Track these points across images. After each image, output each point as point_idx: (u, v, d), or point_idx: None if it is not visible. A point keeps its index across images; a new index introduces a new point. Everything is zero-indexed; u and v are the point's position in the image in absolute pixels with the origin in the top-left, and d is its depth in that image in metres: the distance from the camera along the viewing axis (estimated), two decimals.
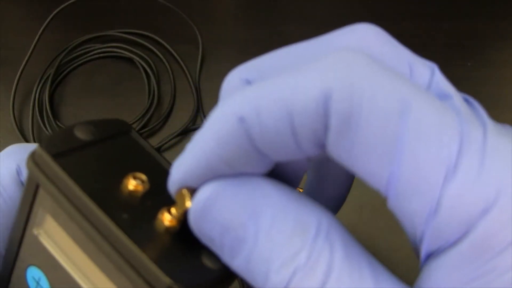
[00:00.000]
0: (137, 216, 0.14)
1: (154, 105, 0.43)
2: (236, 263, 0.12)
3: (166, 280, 0.12)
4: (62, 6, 0.44)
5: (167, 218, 0.14)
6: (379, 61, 0.11)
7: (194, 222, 0.13)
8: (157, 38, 0.47)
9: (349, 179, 0.18)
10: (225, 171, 0.12)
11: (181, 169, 0.13)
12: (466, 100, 0.13)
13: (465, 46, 0.46)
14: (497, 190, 0.10)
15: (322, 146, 0.12)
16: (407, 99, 0.11)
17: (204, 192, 0.12)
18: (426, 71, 0.13)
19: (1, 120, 0.43)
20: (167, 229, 0.14)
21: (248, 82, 0.14)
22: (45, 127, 0.42)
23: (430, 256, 0.11)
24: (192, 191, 0.13)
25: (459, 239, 0.11)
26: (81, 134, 0.15)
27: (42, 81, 0.44)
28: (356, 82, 0.11)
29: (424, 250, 0.11)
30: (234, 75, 0.14)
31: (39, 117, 0.42)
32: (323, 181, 0.16)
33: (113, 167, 0.15)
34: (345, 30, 0.14)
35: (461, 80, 0.43)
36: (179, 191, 0.13)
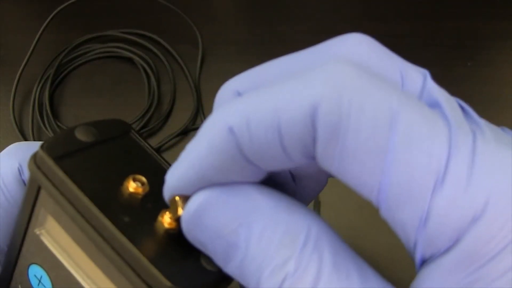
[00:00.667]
0: (137, 218, 0.14)
1: (154, 105, 0.43)
2: (229, 269, 0.13)
3: (166, 283, 0.12)
4: (62, 6, 0.44)
5: (166, 221, 0.14)
6: (369, 71, 0.12)
7: (186, 229, 0.13)
8: (157, 38, 0.47)
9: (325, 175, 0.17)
10: (217, 179, 0.12)
11: (174, 177, 0.13)
12: (460, 106, 0.13)
13: (465, 46, 0.46)
14: (485, 200, 0.10)
15: (311, 156, 0.12)
16: (396, 109, 0.11)
17: (195, 201, 0.13)
18: (418, 78, 0.13)
19: (1, 120, 0.43)
20: (167, 231, 0.14)
21: (241, 94, 0.14)
22: (45, 127, 0.42)
23: (425, 262, 0.12)
24: (186, 198, 0.13)
25: (450, 247, 0.11)
26: (82, 136, 0.15)
27: (42, 81, 0.44)
28: (345, 93, 0.11)
29: (418, 257, 0.12)
30: (228, 86, 0.15)
31: (39, 117, 0.42)
32: (300, 175, 0.16)
33: (114, 169, 0.15)
34: (336, 40, 0.14)
35: (461, 80, 0.43)
36: (172, 198, 0.13)
